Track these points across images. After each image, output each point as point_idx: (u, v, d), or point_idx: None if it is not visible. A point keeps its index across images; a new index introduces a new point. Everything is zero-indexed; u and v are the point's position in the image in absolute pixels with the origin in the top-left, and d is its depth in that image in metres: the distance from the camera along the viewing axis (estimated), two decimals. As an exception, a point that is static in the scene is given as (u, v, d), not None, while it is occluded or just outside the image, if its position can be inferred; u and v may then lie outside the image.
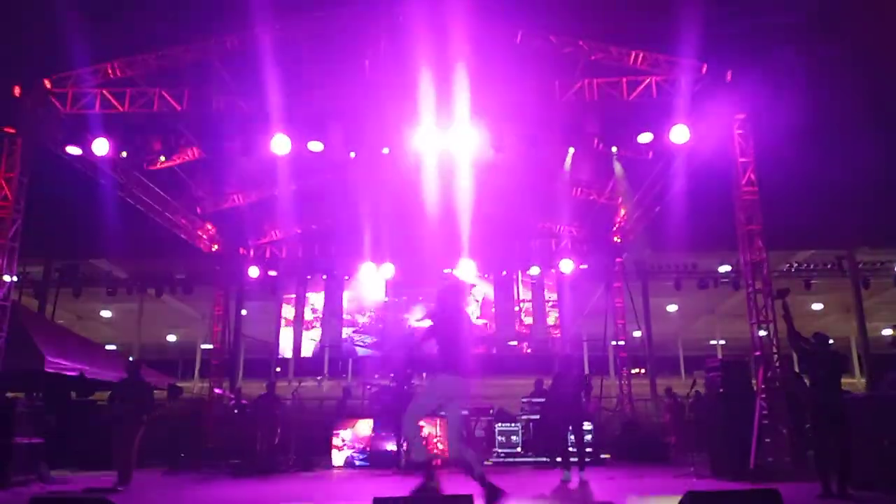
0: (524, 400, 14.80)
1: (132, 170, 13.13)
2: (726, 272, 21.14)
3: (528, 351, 18.51)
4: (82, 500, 4.84)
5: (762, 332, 10.26)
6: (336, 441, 13.47)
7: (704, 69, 10.60)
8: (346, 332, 18.33)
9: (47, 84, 10.86)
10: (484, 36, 11.15)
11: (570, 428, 10.15)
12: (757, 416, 9.47)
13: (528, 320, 18.58)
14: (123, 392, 9.85)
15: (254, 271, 17.55)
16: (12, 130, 10.67)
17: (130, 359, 11.16)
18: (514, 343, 19.05)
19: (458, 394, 6.03)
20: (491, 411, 14.82)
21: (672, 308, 26.45)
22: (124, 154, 11.49)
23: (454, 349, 6.07)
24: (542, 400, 13.66)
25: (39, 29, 10.76)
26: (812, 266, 21.53)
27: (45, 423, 11.30)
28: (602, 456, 13.09)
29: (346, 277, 17.90)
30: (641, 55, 10.79)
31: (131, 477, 9.41)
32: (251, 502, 8.49)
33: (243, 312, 21.12)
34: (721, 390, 9.96)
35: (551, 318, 18.69)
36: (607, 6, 10.93)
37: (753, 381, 10.50)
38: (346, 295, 18.45)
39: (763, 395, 9.81)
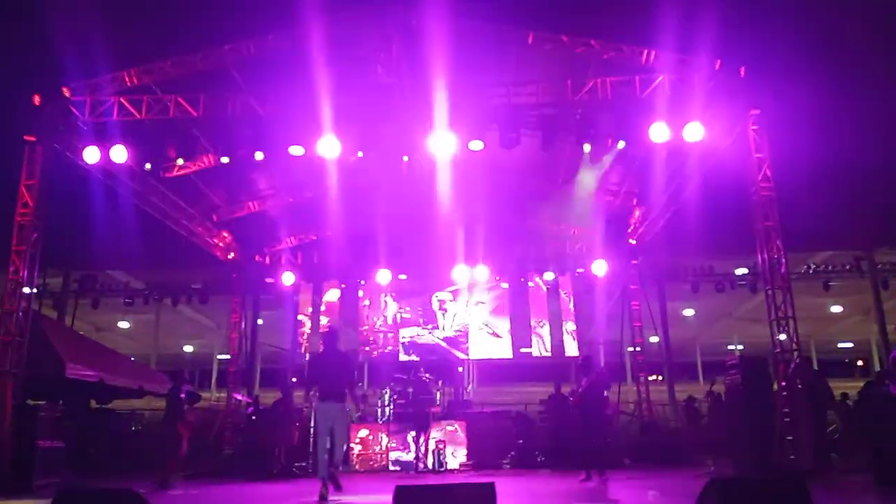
0: (541, 403, 14.78)
1: (149, 177, 13.26)
2: (743, 275, 20.96)
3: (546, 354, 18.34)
4: (110, 496, 4.83)
5: (782, 337, 10.10)
6: (354, 446, 13.57)
7: (718, 65, 10.57)
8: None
9: (66, 92, 11.02)
10: (496, 38, 11.21)
11: (592, 428, 10.04)
12: (778, 414, 9.37)
13: (544, 326, 18.44)
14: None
15: (270, 279, 17.62)
16: (33, 138, 10.83)
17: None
18: (529, 350, 18.93)
19: (336, 416, 8.02)
20: (510, 413, 14.78)
21: (689, 312, 26.26)
22: (147, 166, 11.61)
23: (327, 382, 8.04)
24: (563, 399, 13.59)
25: (59, 38, 10.92)
26: (830, 267, 21.25)
27: (66, 429, 11.42)
28: (624, 461, 13.00)
29: (362, 282, 17.85)
30: (654, 53, 10.78)
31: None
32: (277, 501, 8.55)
33: (259, 322, 21.20)
34: (741, 388, 9.87)
35: (567, 324, 18.58)
36: (618, 5, 10.94)
37: (774, 384, 10.38)
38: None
39: (784, 393, 9.70)
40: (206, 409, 18.47)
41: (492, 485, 4.74)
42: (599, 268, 17.42)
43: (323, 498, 7.74)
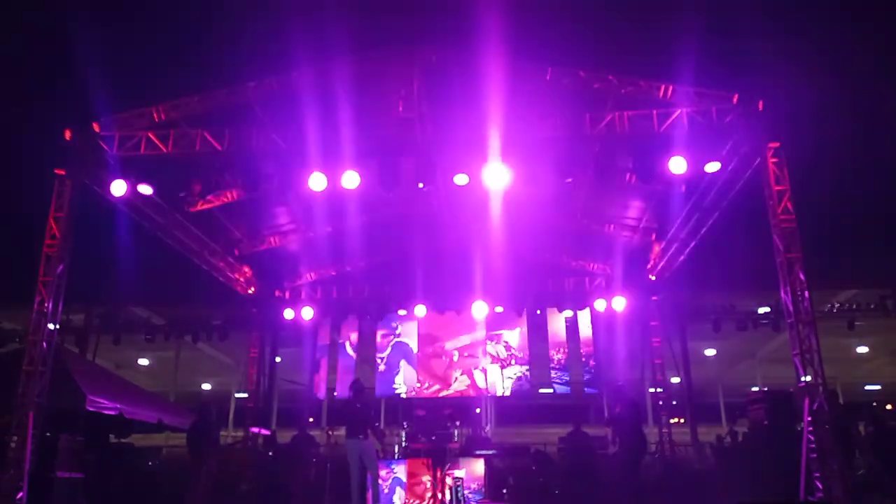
0: (561, 441, 14.54)
1: (173, 211, 13.48)
2: (765, 313, 20.65)
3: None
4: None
5: (807, 378, 9.88)
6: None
7: (735, 99, 10.64)
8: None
9: (96, 127, 11.32)
10: (514, 73, 11.39)
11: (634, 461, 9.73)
12: (804, 448, 9.13)
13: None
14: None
15: (289, 313, 17.70)
16: (62, 172, 11.09)
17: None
18: (549, 390, 18.69)
19: (363, 451, 10.10)
20: (529, 451, 14.54)
21: (710, 352, 25.87)
22: (167, 196, 11.79)
23: (352, 425, 10.25)
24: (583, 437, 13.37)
25: (89, 75, 11.28)
26: (855, 306, 20.87)
27: (85, 461, 11.42)
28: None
29: (380, 319, 17.90)
30: (671, 88, 10.87)
31: None
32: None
33: (277, 359, 21.22)
34: (766, 422, 9.67)
35: (586, 362, 18.36)
36: (635, 41, 11.11)
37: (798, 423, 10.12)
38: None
39: (810, 428, 9.47)
40: (224, 446, 18.40)
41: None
42: (619, 304, 17.29)
43: None
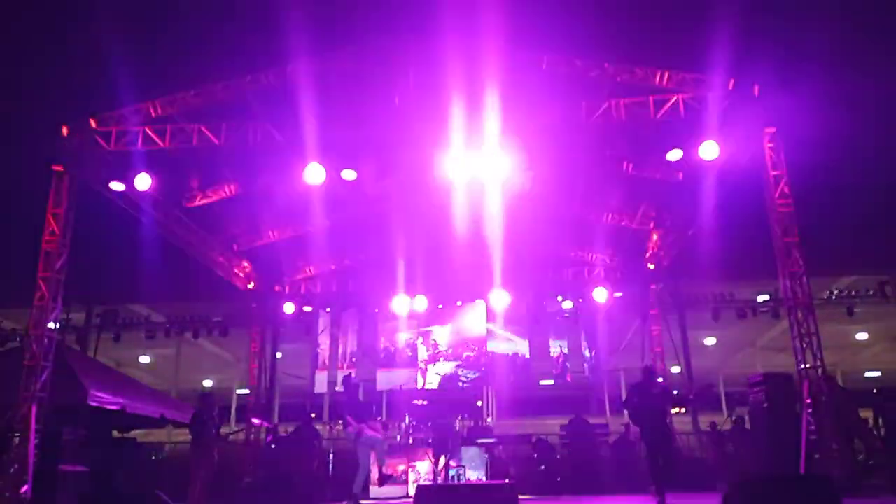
0: (562, 428, 14.59)
1: (171, 207, 13.49)
2: (764, 301, 20.68)
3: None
4: (132, 497, 4.87)
5: (807, 364, 9.93)
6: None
7: (731, 84, 10.65)
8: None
9: (93, 123, 11.33)
10: (510, 62, 11.39)
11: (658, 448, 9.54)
12: (804, 429, 9.19)
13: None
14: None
15: (289, 307, 17.73)
16: (60, 168, 11.11)
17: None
18: (550, 382, 18.74)
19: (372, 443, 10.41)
20: (531, 440, 14.59)
21: (710, 341, 25.88)
22: (165, 191, 11.77)
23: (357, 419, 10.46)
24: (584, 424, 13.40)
25: (86, 71, 11.29)
26: (854, 293, 20.90)
27: (89, 455, 11.47)
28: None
29: (377, 311, 17.94)
30: (667, 74, 10.87)
31: None
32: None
33: (278, 355, 21.25)
34: (766, 405, 9.72)
35: (586, 352, 18.42)
36: (630, 28, 11.11)
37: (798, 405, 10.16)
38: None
39: (810, 410, 9.52)
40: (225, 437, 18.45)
41: (513, 485, 4.71)
42: (618, 293, 17.32)
43: None
